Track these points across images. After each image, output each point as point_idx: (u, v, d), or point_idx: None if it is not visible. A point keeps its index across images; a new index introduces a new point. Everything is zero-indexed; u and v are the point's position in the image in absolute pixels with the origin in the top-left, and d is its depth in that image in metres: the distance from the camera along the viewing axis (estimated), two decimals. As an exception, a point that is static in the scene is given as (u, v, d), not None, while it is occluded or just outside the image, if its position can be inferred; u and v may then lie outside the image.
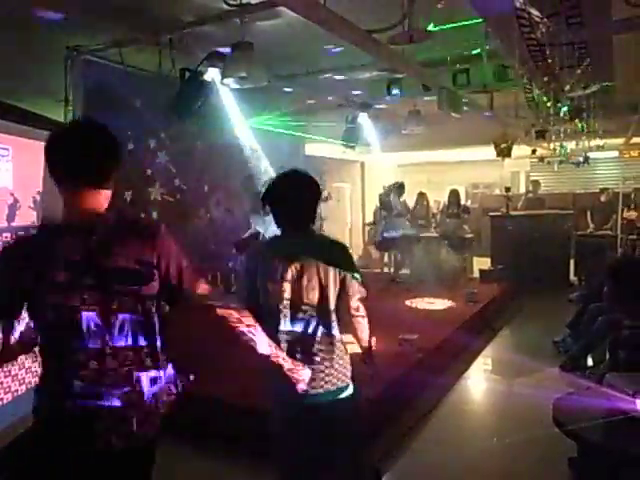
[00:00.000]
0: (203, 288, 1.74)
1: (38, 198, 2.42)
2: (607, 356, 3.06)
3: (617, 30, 4.32)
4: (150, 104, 5.76)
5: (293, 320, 2.14)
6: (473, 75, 5.67)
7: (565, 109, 5.60)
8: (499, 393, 4.64)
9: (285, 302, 2.14)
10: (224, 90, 6.08)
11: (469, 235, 9.18)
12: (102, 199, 1.64)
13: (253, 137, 7.36)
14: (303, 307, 2.14)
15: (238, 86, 5.05)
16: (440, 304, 6.64)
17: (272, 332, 2.00)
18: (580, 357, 4.74)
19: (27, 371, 2.54)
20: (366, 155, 12.10)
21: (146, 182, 6.00)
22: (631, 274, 2.97)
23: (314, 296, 2.15)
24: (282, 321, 2.14)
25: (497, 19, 3.73)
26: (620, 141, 10.88)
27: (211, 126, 6.71)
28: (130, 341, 1.57)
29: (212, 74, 5.34)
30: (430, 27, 4.40)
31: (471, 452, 3.41)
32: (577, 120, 6.92)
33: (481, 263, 9.41)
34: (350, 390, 2.19)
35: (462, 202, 9.62)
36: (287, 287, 2.13)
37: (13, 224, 2.27)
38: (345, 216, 13.57)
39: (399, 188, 7.63)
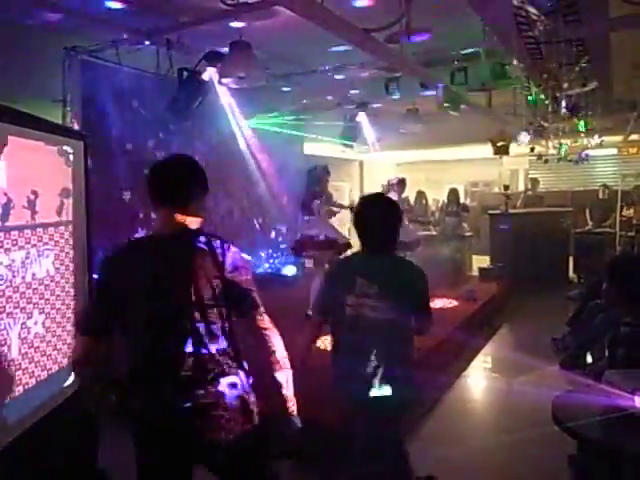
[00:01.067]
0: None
1: (32, 197, 2.41)
2: (606, 353, 3.05)
3: (614, 27, 4.31)
4: (148, 104, 5.76)
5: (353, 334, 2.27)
6: (471, 73, 5.67)
7: (563, 106, 5.59)
8: (499, 391, 4.64)
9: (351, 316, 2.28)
10: (222, 90, 6.07)
11: (468, 233, 9.18)
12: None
13: (252, 137, 7.36)
14: (363, 324, 2.26)
15: (236, 86, 5.05)
16: (439, 302, 6.65)
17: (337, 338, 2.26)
18: (579, 355, 4.73)
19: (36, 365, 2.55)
20: (365, 154, 12.10)
21: (144, 182, 5.99)
22: (630, 272, 2.97)
23: (376, 316, 2.25)
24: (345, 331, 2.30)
25: (495, 17, 3.73)
26: (619, 138, 10.87)
27: (209, 126, 6.71)
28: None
29: (210, 74, 5.34)
30: (428, 26, 4.39)
31: (471, 450, 3.41)
32: (575, 118, 6.92)
33: (480, 261, 9.41)
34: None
35: (461, 200, 9.62)
36: (358, 302, 2.26)
37: (7, 224, 2.27)
38: (344, 215, 13.54)
39: (399, 184, 7.21)
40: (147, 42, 4.80)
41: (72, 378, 2.78)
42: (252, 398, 1.81)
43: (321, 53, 5.56)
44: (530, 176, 12.52)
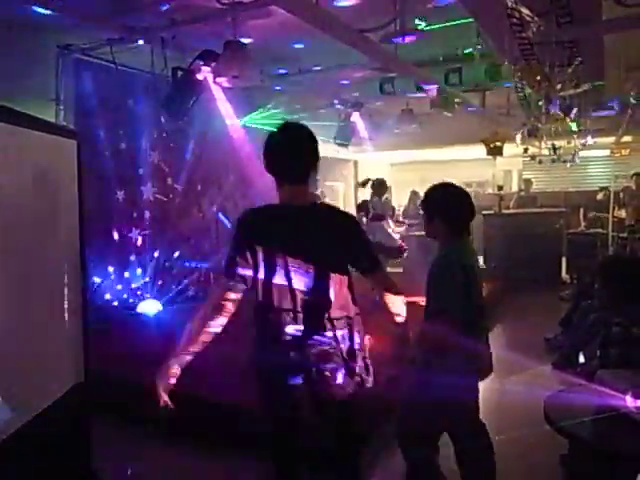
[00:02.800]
0: None
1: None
2: (598, 354, 3.07)
3: (607, 29, 4.34)
4: (142, 103, 5.74)
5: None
6: (465, 74, 5.69)
7: (555, 106, 5.61)
8: (491, 391, 4.62)
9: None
10: (216, 89, 6.06)
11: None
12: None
13: (246, 136, 7.35)
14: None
15: (230, 85, 5.04)
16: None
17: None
18: (571, 354, 4.76)
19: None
20: (359, 154, 12.12)
21: (138, 182, 5.98)
22: (621, 273, 2.99)
23: None
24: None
25: (488, 18, 3.74)
26: (611, 139, 10.94)
27: (203, 125, 6.69)
28: None
29: (204, 73, 5.33)
30: (422, 26, 4.40)
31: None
32: (568, 119, 6.95)
33: (473, 261, 9.43)
34: None
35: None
36: None
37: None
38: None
39: (378, 187, 6.87)
40: (141, 41, 4.79)
41: (66, 377, 2.78)
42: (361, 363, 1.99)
43: (315, 53, 5.56)
44: (523, 177, 12.58)
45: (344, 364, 1.93)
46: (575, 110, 6.42)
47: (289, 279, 1.89)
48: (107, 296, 5.78)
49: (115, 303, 5.84)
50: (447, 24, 4.61)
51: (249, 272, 1.92)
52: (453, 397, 2.18)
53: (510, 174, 14.52)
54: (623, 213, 9.27)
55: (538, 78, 4.52)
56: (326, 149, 10.19)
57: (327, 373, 1.89)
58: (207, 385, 3.52)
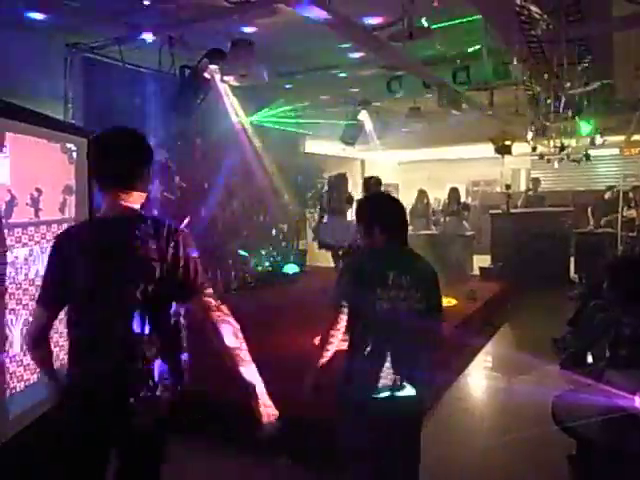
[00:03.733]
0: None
1: (35, 195, 2.42)
2: (607, 354, 3.05)
3: (617, 27, 4.31)
4: (150, 102, 5.76)
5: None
6: (473, 72, 5.66)
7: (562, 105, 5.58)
8: (499, 390, 4.64)
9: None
10: (224, 87, 6.07)
11: (469, 233, 9.17)
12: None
13: (253, 134, 7.36)
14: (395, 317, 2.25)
15: (238, 83, 5.05)
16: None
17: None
18: (580, 354, 4.73)
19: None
20: (366, 152, 12.09)
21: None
22: (630, 274, 2.97)
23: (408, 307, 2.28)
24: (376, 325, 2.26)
25: (497, 16, 3.72)
26: (621, 138, 10.86)
27: (211, 123, 6.71)
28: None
29: (212, 72, 5.34)
30: (429, 24, 4.38)
31: (470, 449, 3.41)
32: (577, 117, 6.91)
33: (481, 261, 9.41)
34: None
35: (462, 199, 9.61)
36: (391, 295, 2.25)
37: (10, 221, 2.27)
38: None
39: (374, 185, 6.85)
40: (149, 40, 4.80)
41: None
42: (170, 383, 1.76)
43: (323, 51, 5.55)
44: (532, 176, 12.50)
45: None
46: (584, 109, 6.38)
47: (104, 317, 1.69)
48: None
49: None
50: (455, 22, 4.59)
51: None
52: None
53: (518, 173, 14.44)
54: (633, 213, 9.20)
55: (547, 76, 4.50)
56: (333, 147, 10.20)
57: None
58: (217, 384, 3.53)
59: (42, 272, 2.51)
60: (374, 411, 2.21)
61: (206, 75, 5.39)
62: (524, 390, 4.23)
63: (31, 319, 1.91)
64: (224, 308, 1.78)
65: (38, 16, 4.32)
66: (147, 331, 1.70)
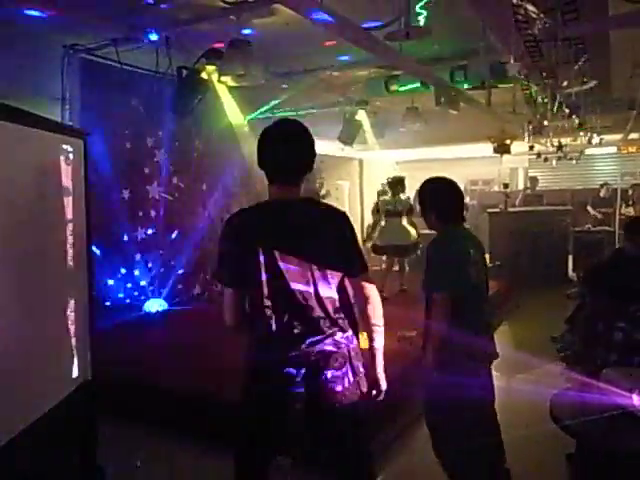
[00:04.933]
0: None
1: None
2: (603, 353, 3.06)
3: (614, 26, 4.31)
4: (147, 102, 5.76)
5: None
6: (471, 72, 5.67)
7: (558, 102, 5.58)
8: (497, 389, 4.63)
9: None
10: (221, 88, 6.07)
11: (467, 231, 9.16)
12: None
13: (251, 134, 7.35)
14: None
15: (235, 84, 5.04)
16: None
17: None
18: (578, 353, 4.74)
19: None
20: (364, 152, 12.09)
21: (144, 181, 6.00)
22: (606, 280, 2.99)
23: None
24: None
25: (493, 15, 3.72)
26: (618, 137, 10.87)
27: (209, 124, 6.70)
28: None
29: (209, 72, 5.34)
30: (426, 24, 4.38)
31: (469, 448, 3.41)
32: (574, 116, 6.91)
33: (479, 259, 9.40)
34: None
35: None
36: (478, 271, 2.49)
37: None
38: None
39: (397, 185, 6.93)
40: (146, 40, 4.80)
41: (74, 374, 2.79)
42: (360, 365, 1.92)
43: (321, 51, 5.55)
44: (530, 175, 12.52)
45: (349, 366, 1.88)
46: (581, 107, 6.39)
47: (287, 279, 1.81)
48: (112, 295, 5.80)
49: (121, 302, 5.86)
50: (452, 21, 4.59)
51: (249, 274, 1.86)
52: (470, 398, 2.21)
53: (516, 172, 14.45)
54: (631, 211, 9.22)
55: (544, 75, 4.50)
56: (331, 147, 10.20)
57: (330, 377, 1.83)
58: (216, 385, 3.53)
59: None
60: None
61: (203, 76, 5.39)
62: (522, 388, 4.23)
63: None
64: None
65: (35, 13, 4.29)
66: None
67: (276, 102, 7.37)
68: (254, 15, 4.43)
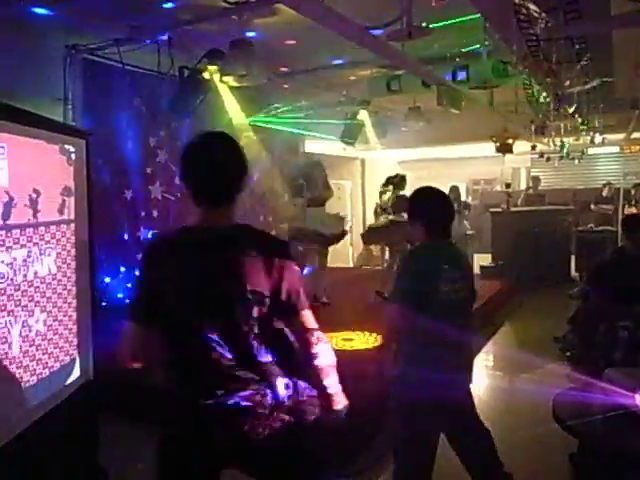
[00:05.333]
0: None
1: (34, 196, 2.42)
2: (608, 352, 3.05)
3: (616, 25, 4.30)
4: (149, 102, 5.76)
5: None
6: (473, 71, 5.66)
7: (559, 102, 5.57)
8: (500, 389, 4.65)
9: None
10: (223, 88, 6.07)
11: (469, 232, 9.17)
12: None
13: (253, 134, 7.35)
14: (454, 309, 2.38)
15: (237, 84, 5.05)
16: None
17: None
18: (581, 353, 4.73)
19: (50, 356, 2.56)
20: (366, 152, 12.09)
21: (146, 181, 6.00)
22: (611, 279, 2.98)
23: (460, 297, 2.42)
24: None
25: (495, 15, 3.72)
26: (621, 136, 10.85)
27: (211, 124, 6.69)
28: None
29: (211, 72, 5.34)
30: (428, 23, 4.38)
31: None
32: (577, 116, 6.90)
33: (482, 259, 9.40)
34: None
35: (462, 198, 9.60)
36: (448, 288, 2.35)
37: (9, 222, 2.27)
38: (345, 213, 13.57)
39: (399, 183, 6.94)
40: (148, 40, 4.80)
41: (73, 376, 2.79)
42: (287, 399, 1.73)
43: (322, 51, 5.55)
44: (532, 174, 12.50)
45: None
46: (583, 107, 6.37)
47: (208, 326, 1.62)
48: (116, 295, 5.80)
49: (121, 302, 5.86)
50: (454, 21, 4.59)
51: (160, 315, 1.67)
52: (440, 394, 2.16)
53: (518, 172, 14.44)
54: (634, 210, 9.20)
55: (546, 75, 4.49)
56: (333, 147, 10.19)
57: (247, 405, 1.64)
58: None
59: (41, 273, 2.52)
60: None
61: (205, 76, 5.38)
62: (525, 389, 4.23)
63: None
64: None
65: (39, 11, 4.29)
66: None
67: (276, 104, 7.37)
68: (256, 15, 4.43)
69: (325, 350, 1.78)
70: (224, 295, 1.63)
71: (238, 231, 1.72)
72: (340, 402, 1.84)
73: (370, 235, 7.22)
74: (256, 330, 1.66)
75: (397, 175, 7.14)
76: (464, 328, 2.38)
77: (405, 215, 6.57)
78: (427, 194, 2.55)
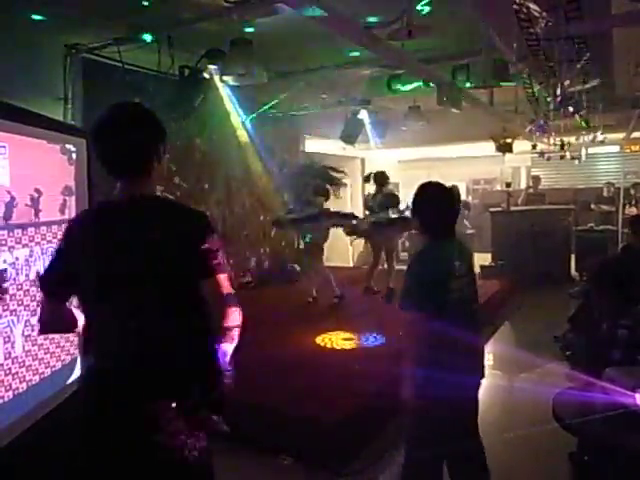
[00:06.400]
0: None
1: (35, 196, 2.42)
2: (607, 351, 3.05)
3: (616, 24, 4.30)
4: (149, 102, 5.75)
5: None
6: (473, 70, 5.66)
7: (558, 101, 5.57)
8: (500, 388, 4.64)
9: None
10: (223, 87, 6.07)
11: (470, 231, 9.18)
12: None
13: (253, 134, 7.36)
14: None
15: (237, 83, 5.05)
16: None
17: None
18: (581, 352, 4.74)
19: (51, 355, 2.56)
20: (366, 151, 12.08)
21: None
22: (614, 277, 2.97)
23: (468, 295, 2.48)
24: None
25: (496, 14, 3.72)
26: (621, 136, 10.85)
27: (210, 123, 6.71)
28: None
29: (211, 71, 5.34)
30: (425, 11, 4.37)
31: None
32: (577, 115, 6.90)
33: (482, 259, 9.40)
34: None
35: (463, 198, 9.61)
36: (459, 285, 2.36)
37: (10, 222, 2.27)
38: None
39: (381, 178, 6.90)
40: (148, 40, 4.80)
41: (74, 375, 2.80)
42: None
43: (323, 50, 5.55)
44: (532, 174, 12.50)
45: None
46: (582, 106, 6.38)
47: (117, 303, 1.57)
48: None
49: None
50: (454, 20, 4.59)
51: (71, 291, 1.66)
52: (451, 395, 2.14)
53: (518, 171, 14.44)
54: (634, 210, 9.20)
55: (546, 74, 4.49)
56: (333, 146, 10.19)
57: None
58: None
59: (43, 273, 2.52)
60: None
61: (205, 75, 5.39)
62: (525, 387, 4.23)
63: None
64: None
65: (38, 17, 4.32)
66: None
67: (277, 101, 7.37)
68: (255, 14, 4.43)
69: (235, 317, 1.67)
70: (131, 267, 1.56)
71: (152, 203, 1.67)
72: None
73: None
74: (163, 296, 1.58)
75: (378, 171, 7.11)
76: (474, 327, 2.41)
77: (391, 212, 6.71)
78: (432, 192, 2.47)
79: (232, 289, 1.68)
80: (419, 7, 4.05)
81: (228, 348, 1.65)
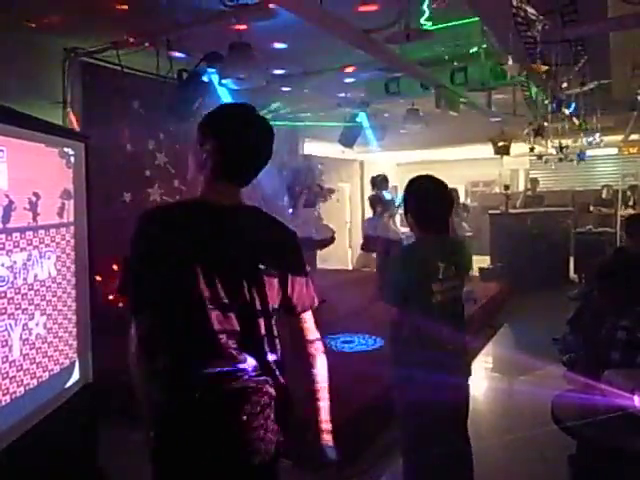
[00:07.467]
0: None
1: (34, 199, 2.42)
2: (607, 351, 3.05)
3: (614, 28, 4.32)
4: (148, 105, 5.77)
5: None
6: (471, 73, 5.68)
7: (555, 105, 5.59)
8: (499, 391, 4.65)
9: None
10: (222, 91, 6.08)
11: (468, 233, 9.18)
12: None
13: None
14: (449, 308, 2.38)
15: (236, 86, 5.05)
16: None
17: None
18: (580, 354, 4.73)
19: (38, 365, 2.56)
20: (365, 154, 12.11)
21: (145, 183, 6.00)
22: (616, 277, 2.98)
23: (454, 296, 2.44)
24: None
25: (493, 17, 3.74)
26: (619, 138, 10.88)
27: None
28: None
29: (210, 75, 5.34)
30: (427, 26, 4.40)
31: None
32: (575, 118, 6.92)
33: (480, 261, 9.41)
34: None
35: (461, 200, 9.63)
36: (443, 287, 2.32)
37: (8, 225, 2.27)
38: (344, 215, 13.59)
39: (381, 182, 7.19)
40: (147, 43, 4.81)
41: (73, 379, 2.80)
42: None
43: (320, 53, 5.56)
44: (530, 176, 12.53)
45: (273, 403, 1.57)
46: (580, 108, 6.40)
47: (217, 298, 1.48)
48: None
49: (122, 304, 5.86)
50: (452, 23, 4.60)
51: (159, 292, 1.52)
52: (435, 396, 2.15)
53: (517, 173, 14.47)
54: (631, 212, 9.22)
55: (543, 77, 4.51)
56: (331, 149, 10.20)
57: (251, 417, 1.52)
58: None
59: (40, 276, 2.52)
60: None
61: (204, 78, 5.39)
62: (524, 390, 4.23)
63: None
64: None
65: (36, 22, 4.32)
66: None
67: (277, 104, 7.38)
68: (254, 17, 4.43)
69: (322, 364, 1.67)
70: (240, 274, 1.50)
71: (255, 212, 1.63)
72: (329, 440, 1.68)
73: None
74: (267, 324, 1.54)
75: (379, 175, 7.32)
76: (458, 329, 2.37)
77: (379, 209, 6.85)
78: (421, 185, 2.36)
79: None
80: (422, 21, 4.05)
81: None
